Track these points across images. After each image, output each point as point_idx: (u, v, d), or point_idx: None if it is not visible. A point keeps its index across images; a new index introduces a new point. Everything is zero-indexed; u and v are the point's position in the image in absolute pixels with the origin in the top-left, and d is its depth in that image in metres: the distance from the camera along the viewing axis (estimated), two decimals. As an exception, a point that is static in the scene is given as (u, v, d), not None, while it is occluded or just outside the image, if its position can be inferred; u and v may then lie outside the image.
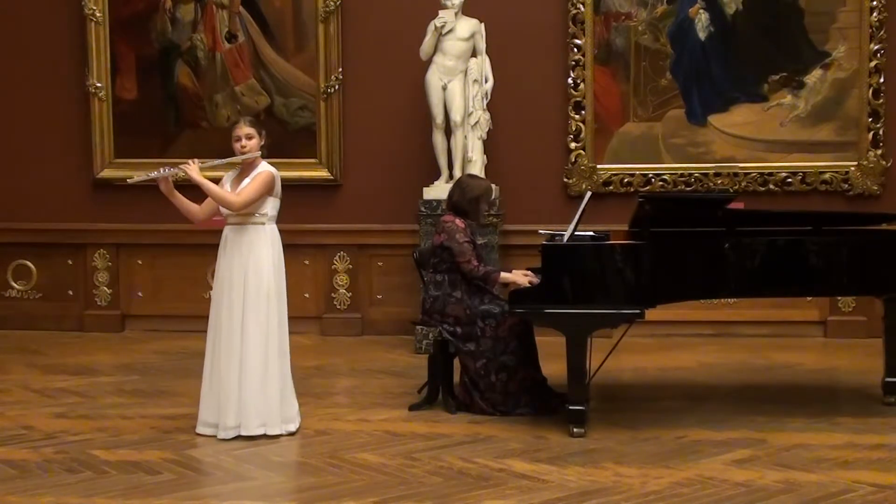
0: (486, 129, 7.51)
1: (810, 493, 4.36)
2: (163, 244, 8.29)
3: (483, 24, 7.53)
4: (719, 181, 7.90)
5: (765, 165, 7.89)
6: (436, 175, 7.63)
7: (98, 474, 4.68)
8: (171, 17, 8.22)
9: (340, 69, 8.08)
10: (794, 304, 7.79)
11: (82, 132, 8.34)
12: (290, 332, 5.38)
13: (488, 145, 7.60)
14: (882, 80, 7.75)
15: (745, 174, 7.90)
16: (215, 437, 5.21)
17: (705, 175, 7.92)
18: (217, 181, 5.36)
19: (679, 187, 7.93)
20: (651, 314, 5.28)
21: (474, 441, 5.17)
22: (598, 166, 7.99)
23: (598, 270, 5.28)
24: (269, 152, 5.41)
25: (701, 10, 7.84)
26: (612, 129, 8.01)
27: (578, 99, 7.95)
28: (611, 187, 7.97)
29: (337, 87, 8.09)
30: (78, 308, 8.49)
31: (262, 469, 4.77)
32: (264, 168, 5.28)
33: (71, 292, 8.49)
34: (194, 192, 5.26)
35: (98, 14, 8.18)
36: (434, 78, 7.48)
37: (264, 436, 5.20)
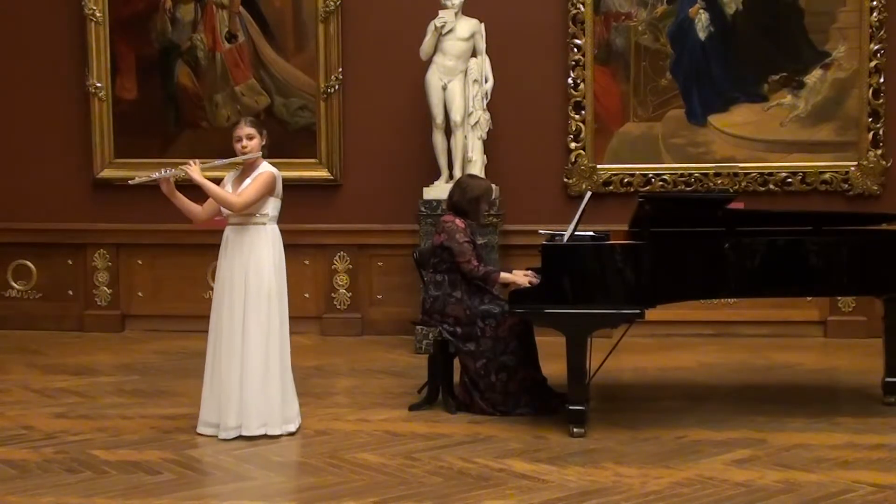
0: (486, 129, 7.51)
1: (810, 493, 4.37)
2: (163, 244, 8.29)
3: (483, 24, 7.53)
4: (719, 181, 7.91)
5: (765, 165, 7.89)
6: (436, 175, 7.63)
7: (98, 474, 4.68)
8: (171, 17, 8.22)
9: (340, 69, 8.08)
10: (794, 304, 7.79)
11: (82, 132, 8.34)
12: (291, 332, 5.38)
13: (488, 145, 7.60)
14: (882, 80, 7.75)
15: (745, 174, 7.90)
16: (216, 437, 5.21)
17: (705, 175, 7.92)
18: (218, 181, 5.37)
19: (679, 187, 7.93)
20: (651, 314, 5.28)
21: (474, 441, 5.17)
22: (598, 166, 7.99)
23: (598, 270, 5.28)
24: (269, 152, 5.41)
25: (701, 10, 7.84)
26: (612, 129, 8.01)
27: (578, 99, 7.95)
28: (611, 187, 7.97)
29: (337, 87, 8.09)
30: (78, 308, 8.49)
31: (262, 469, 4.77)
32: (266, 168, 5.28)
33: (71, 292, 8.49)
34: (195, 192, 5.26)
35: (98, 14, 8.18)
36: (434, 78, 7.48)
37: (265, 436, 5.20)
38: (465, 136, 7.45)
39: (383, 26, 8.06)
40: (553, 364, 5.80)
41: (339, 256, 8.22)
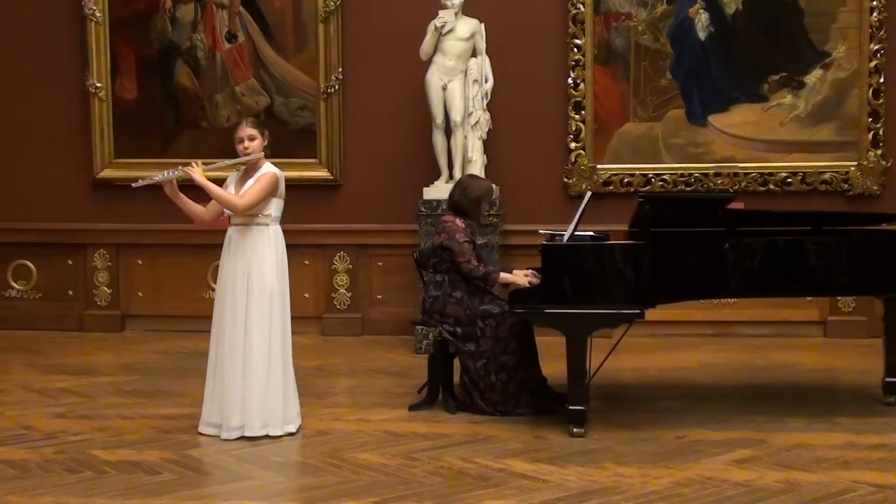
0: (486, 129, 7.51)
1: (810, 493, 4.36)
2: (163, 244, 8.29)
3: (483, 24, 7.53)
4: (719, 181, 7.91)
5: (765, 165, 7.90)
6: (436, 175, 7.63)
7: (98, 474, 4.68)
8: (171, 17, 8.22)
9: (340, 69, 8.08)
10: (794, 304, 7.80)
11: (82, 132, 8.34)
12: (291, 333, 5.38)
13: (488, 145, 7.60)
14: (882, 80, 7.76)
15: (745, 174, 7.90)
16: (218, 437, 5.21)
17: (705, 175, 7.92)
18: (221, 182, 5.37)
19: (679, 187, 7.93)
20: (651, 314, 5.28)
21: (474, 441, 5.17)
22: (598, 166, 7.99)
23: (598, 270, 5.28)
24: (269, 152, 5.41)
25: (701, 10, 7.84)
26: (612, 129, 8.02)
27: (578, 99, 7.95)
28: (611, 187, 7.97)
29: (337, 87, 8.10)
30: (78, 308, 8.49)
31: (262, 469, 4.77)
32: (268, 169, 5.28)
33: (71, 292, 8.49)
34: (197, 192, 5.26)
35: (98, 14, 8.18)
36: (434, 78, 7.48)
37: (266, 436, 5.20)
38: (465, 136, 7.45)
39: (383, 26, 8.06)
40: (553, 364, 5.80)
41: (339, 256, 8.23)
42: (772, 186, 7.89)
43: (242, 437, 5.17)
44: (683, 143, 7.96)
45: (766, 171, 7.89)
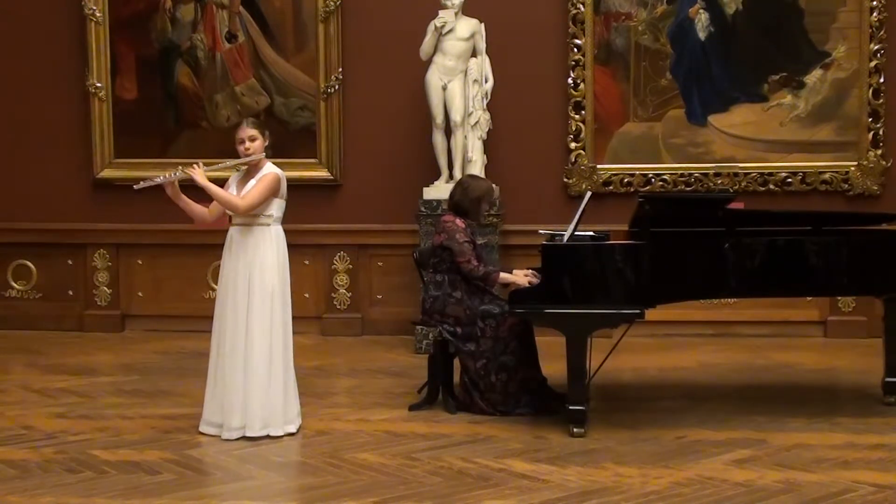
0: (486, 129, 7.51)
1: (810, 493, 4.37)
2: (163, 244, 8.29)
3: (483, 24, 7.53)
4: (719, 181, 7.91)
5: (765, 165, 7.90)
6: (436, 175, 7.63)
7: (98, 474, 4.68)
8: (171, 17, 8.22)
9: (340, 69, 8.08)
10: (794, 304, 7.79)
11: (82, 132, 8.34)
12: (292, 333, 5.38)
13: (488, 145, 7.60)
14: (882, 80, 7.75)
15: (745, 174, 7.90)
16: (219, 436, 5.21)
17: (705, 175, 7.92)
18: (223, 182, 5.37)
19: (679, 187, 7.93)
20: (651, 314, 5.28)
21: (474, 441, 5.17)
22: (598, 166, 7.99)
23: (598, 270, 5.28)
24: (270, 152, 5.41)
25: (701, 10, 7.84)
26: (612, 129, 8.01)
27: (578, 99, 7.95)
28: (611, 187, 7.97)
29: (337, 87, 8.10)
30: (78, 308, 8.49)
31: (262, 469, 4.77)
32: (270, 170, 5.28)
33: (71, 292, 8.49)
34: (198, 193, 5.26)
35: (98, 14, 8.18)
36: (434, 78, 7.48)
37: (267, 436, 5.20)
38: (465, 136, 7.45)
39: (383, 26, 8.06)
40: (553, 364, 5.80)
41: (339, 256, 8.22)
42: (772, 186, 7.89)
43: (243, 438, 5.17)
44: (683, 143, 7.96)
45: (766, 171, 7.89)
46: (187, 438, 5.24)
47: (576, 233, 5.64)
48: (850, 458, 4.83)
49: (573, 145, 7.99)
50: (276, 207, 5.30)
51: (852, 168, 7.85)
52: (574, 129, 7.98)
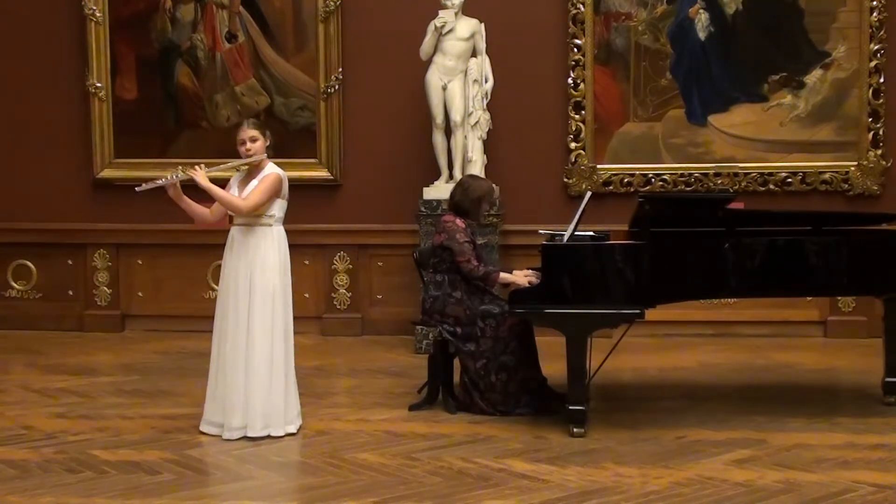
0: (486, 129, 7.51)
1: (810, 493, 4.36)
2: (163, 244, 8.29)
3: (483, 24, 7.53)
4: (719, 181, 7.91)
5: (765, 165, 7.90)
6: (436, 175, 7.63)
7: (98, 474, 4.68)
8: (171, 17, 8.22)
9: (340, 69, 8.08)
10: (794, 304, 7.80)
11: (82, 132, 8.34)
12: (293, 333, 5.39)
13: (488, 145, 7.60)
14: (882, 80, 7.76)
15: (745, 174, 7.90)
16: (219, 436, 5.21)
17: (705, 175, 7.92)
18: (224, 182, 5.37)
19: (679, 187, 7.93)
20: (651, 314, 5.28)
21: (474, 441, 5.17)
22: (598, 166, 7.99)
23: (598, 270, 5.28)
24: (271, 153, 5.40)
25: (701, 10, 7.85)
26: (612, 129, 8.02)
27: (578, 99, 7.95)
28: (611, 187, 7.97)
29: (337, 87, 8.10)
30: (78, 308, 8.49)
31: (262, 469, 4.77)
32: (271, 170, 5.28)
33: (71, 292, 8.49)
34: (199, 193, 5.26)
35: (98, 14, 8.18)
36: (434, 78, 7.48)
37: (267, 437, 5.20)
38: (465, 136, 7.45)
39: (383, 26, 8.06)
40: (553, 364, 5.80)
41: (339, 256, 8.23)
42: (772, 186, 7.89)
43: (244, 438, 5.17)
44: (683, 143, 7.96)
45: (766, 171, 7.89)
46: (187, 438, 5.24)
47: (576, 233, 5.64)
48: (850, 458, 4.83)
49: (573, 145, 7.99)
50: (278, 208, 5.30)
51: (852, 168, 7.85)
52: (574, 129, 7.98)
